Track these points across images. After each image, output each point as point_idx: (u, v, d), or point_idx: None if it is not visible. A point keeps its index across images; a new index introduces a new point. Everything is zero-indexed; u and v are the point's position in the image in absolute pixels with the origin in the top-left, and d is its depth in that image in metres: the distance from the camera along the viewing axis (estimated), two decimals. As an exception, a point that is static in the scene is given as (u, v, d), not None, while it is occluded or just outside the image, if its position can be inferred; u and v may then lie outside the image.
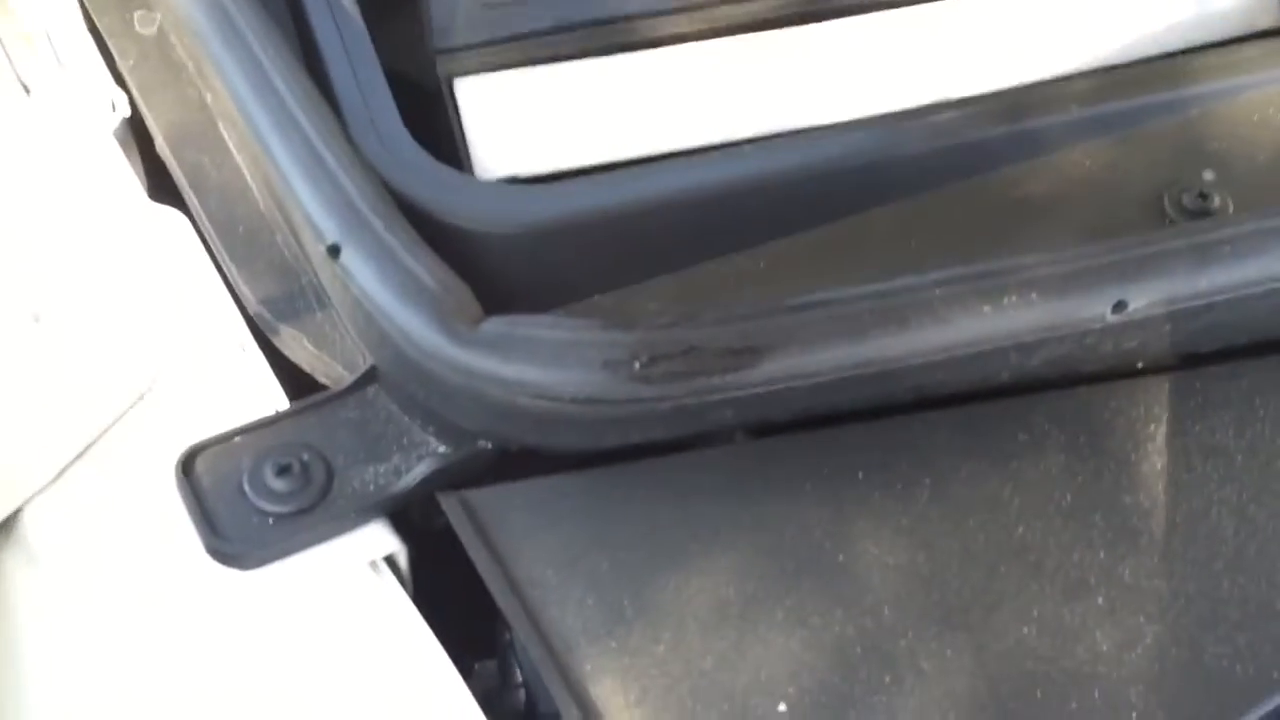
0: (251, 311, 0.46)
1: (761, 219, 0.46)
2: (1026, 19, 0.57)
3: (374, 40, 0.50)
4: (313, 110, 0.41)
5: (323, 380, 0.44)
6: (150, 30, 0.51)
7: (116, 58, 0.51)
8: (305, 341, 0.44)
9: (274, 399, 0.45)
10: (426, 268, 0.38)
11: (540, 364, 0.37)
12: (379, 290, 0.38)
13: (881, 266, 0.41)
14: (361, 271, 0.39)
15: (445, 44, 0.53)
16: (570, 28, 0.54)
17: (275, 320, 0.45)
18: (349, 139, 0.43)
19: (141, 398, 0.51)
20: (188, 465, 0.40)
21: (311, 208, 0.40)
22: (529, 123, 0.53)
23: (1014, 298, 0.38)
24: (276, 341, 0.45)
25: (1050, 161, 0.49)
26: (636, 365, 0.36)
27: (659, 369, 0.36)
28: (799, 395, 0.37)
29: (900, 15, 0.58)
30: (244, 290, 0.46)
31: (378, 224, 0.39)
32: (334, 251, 0.39)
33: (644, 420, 0.37)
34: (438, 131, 0.52)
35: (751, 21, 0.56)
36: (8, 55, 0.58)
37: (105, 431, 0.51)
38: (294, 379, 0.45)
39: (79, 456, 0.51)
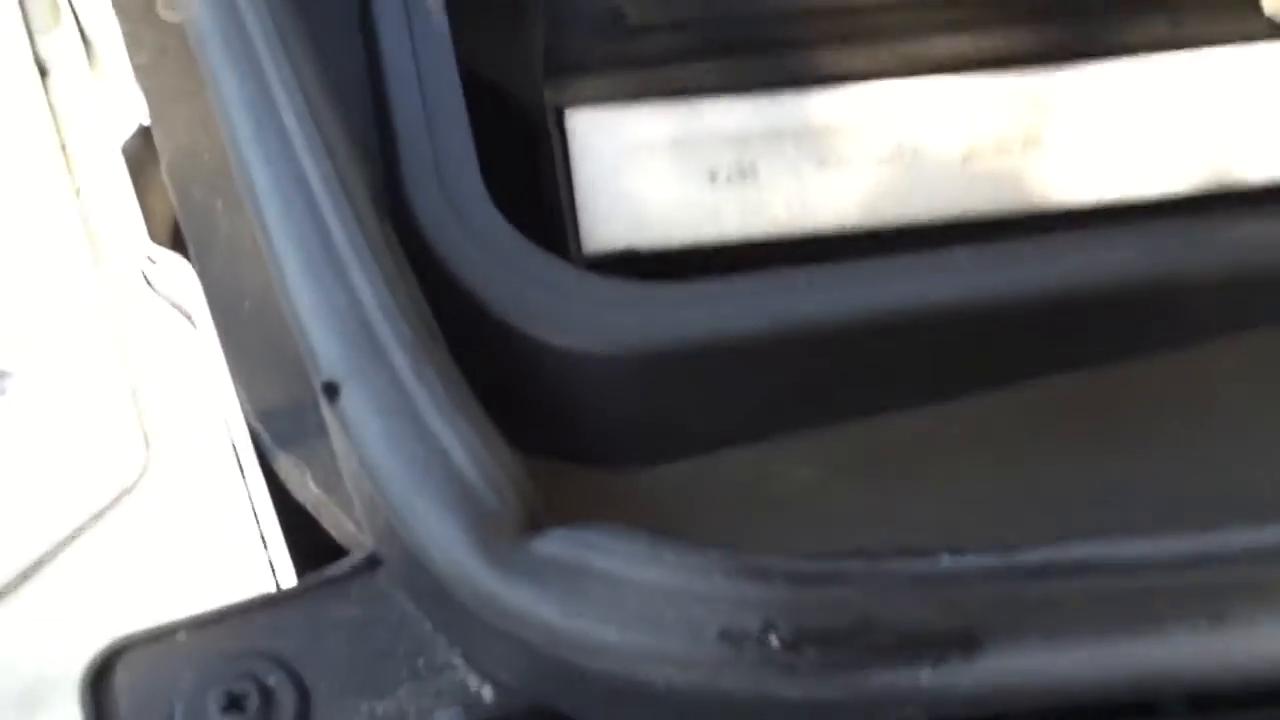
0: (248, 422, 0.33)
1: (993, 358, 0.32)
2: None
3: (460, 58, 0.37)
4: (328, 162, 0.28)
5: (330, 532, 0.31)
6: (175, 17, 0.39)
7: (128, 48, 0.39)
8: (309, 478, 0.31)
9: (269, 551, 0.32)
10: (462, 436, 0.25)
11: (618, 619, 0.23)
12: (387, 463, 0.25)
13: (1185, 472, 0.27)
14: (366, 429, 0.25)
15: (559, 65, 0.39)
16: (726, 51, 0.40)
17: (275, 441, 0.32)
18: (386, 207, 0.30)
19: (125, 494, 0.39)
20: (103, 671, 0.27)
21: (308, 318, 0.26)
22: (666, 174, 0.39)
23: None
24: (276, 467, 0.32)
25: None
26: (774, 641, 0.22)
27: (809, 655, 0.22)
28: (1032, 701, 0.23)
29: (1191, 60, 0.42)
30: (240, 392, 0.33)
31: (400, 358, 0.25)
32: (330, 391, 0.26)
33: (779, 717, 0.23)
34: (535, 186, 0.39)
35: (973, 58, 0.41)
36: (27, 23, 0.46)
37: (76, 535, 0.39)
38: (294, 524, 0.32)
39: (38, 565, 0.39)
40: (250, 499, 0.33)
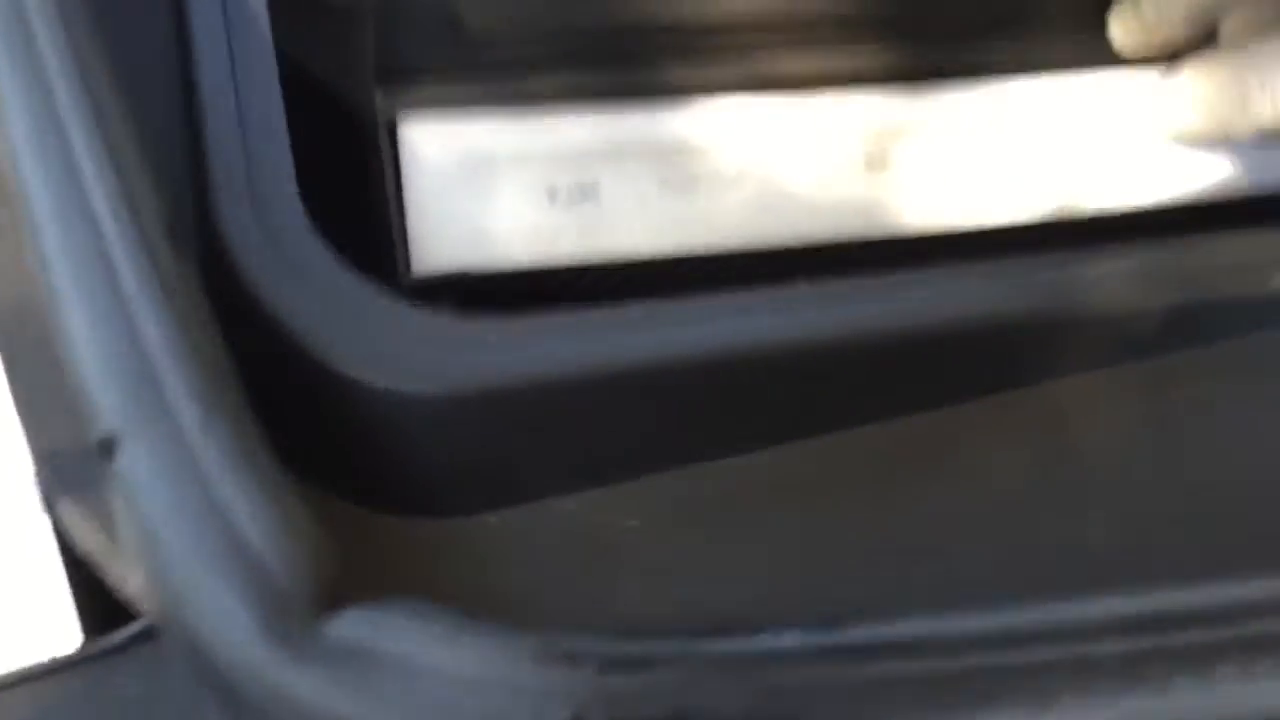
0: (33, 463, 0.30)
1: (835, 401, 0.31)
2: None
3: (285, 56, 0.34)
4: (117, 181, 0.25)
5: (115, 589, 0.29)
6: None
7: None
8: (97, 529, 0.28)
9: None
10: (253, 504, 0.22)
11: (416, 712, 0.21)
12: (167, 532, 0.22)
13: (1021, 522, 0.26)
14: (145, 493, 0.23)
15: (392, 70, 0.36)
16: (571, 63, 0.38)
17: (59, 484, 0.29)
18: (194, 230, 0.27)
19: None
20: None
21: (84, 360, 0.24)
22: (504, 191, 0.37)
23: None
24: (59, 513, 0.29)
25: (1239, 347, 0.34)
26: (583, 735, 0.20)
27: (620, 750, 0.20)
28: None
29: (1040, 85, 0.42)
30: (25, 429, 0.30)
31: (188, 411, 0.23)
32: (106, 448, 0.23)
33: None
34: (364, 200, 0.36)
35: (824, 77, 0.40)
36: None
37: None
38: (82, 579, 0.29)
39: None
40: (38, 547, 0.30)
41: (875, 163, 0.41)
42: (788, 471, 0.31)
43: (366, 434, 0.29)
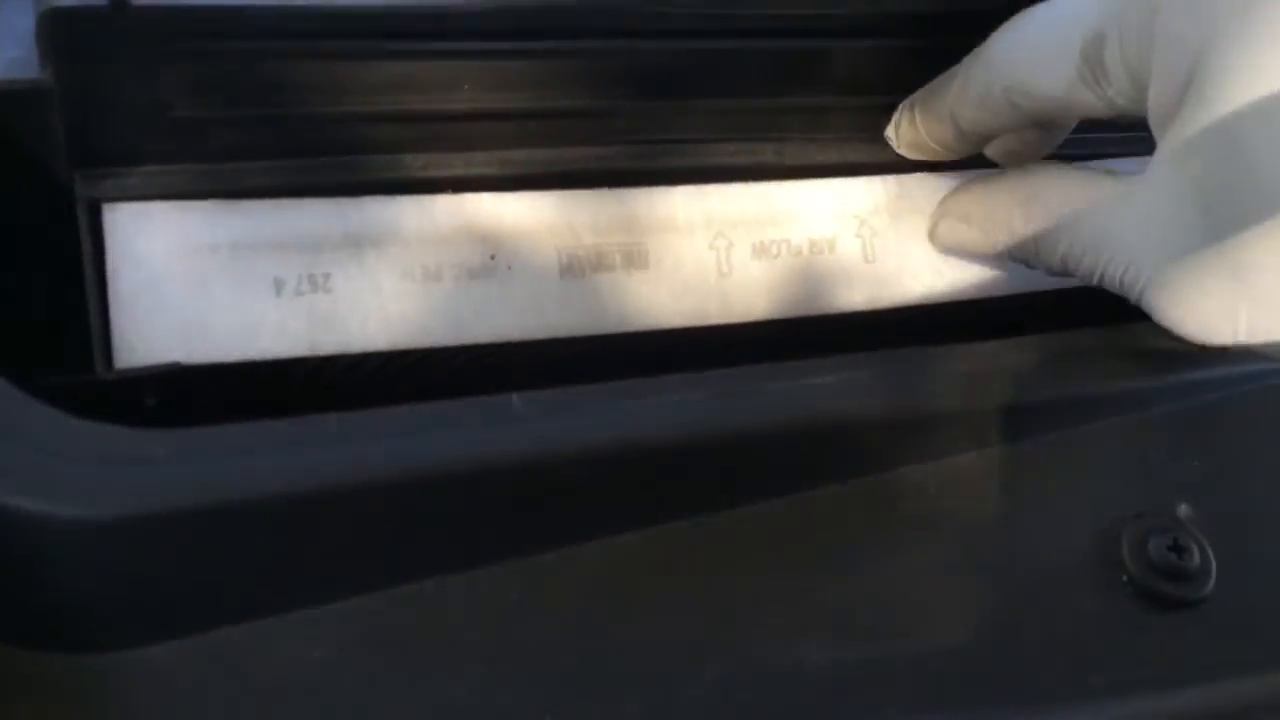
0: None
1: (553, 515, 0.29)
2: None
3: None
4: None
5: None
6: None
7: None
8: None
9: None
10: None
11: None
12: None
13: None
14: None
15: (95, 155, 0.34)
16: (299, 152, 0.36)
17: None
18: None
19: None
20: None
21: None
22: (222, 283, 0.35)
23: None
24: None
25: (966, 464, 0.33)
26: None
27: None
28: None
29: (795, 189, 0.41)
30: None
31: None
32: None
33: None
34: (60, 294, 0.34)
35: (575, 173, 0.39)
36: None
37: None
38: None
39: None
40: None
41: (632, 259, 0.40)
42: (489, 594, 0.29)
43: (8, 558, 0.26)
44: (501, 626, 0.29)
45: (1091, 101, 0.35)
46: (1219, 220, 0.32)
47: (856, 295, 0.41)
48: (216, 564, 0.27)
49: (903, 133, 0.41)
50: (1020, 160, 0.43)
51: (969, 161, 0.43)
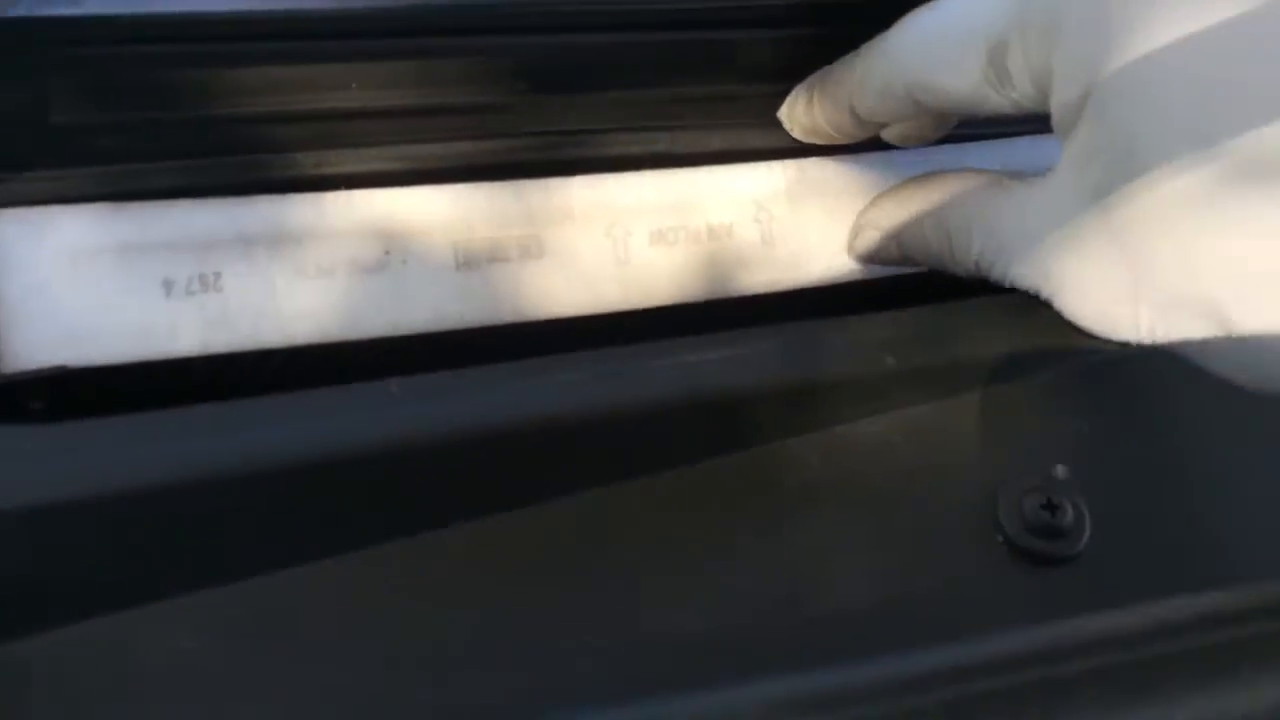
0: None
1: (423, 499, 0.30)
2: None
3: None
4: None
5: None
6: None
7: None
8: None
9: None
10: None
11: None
12: None
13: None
14: None
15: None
16: (187, 153, 0.37)
17: None
18: None
19: None
20: None
21: None
22: (111, 285, 0.35)
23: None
24: None
25: (849, 434, 0.34)
26: None
27: None
28: None
29: (694, 176, 0.42)
30: None
31: None
32: None
33: None
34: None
35: (469, 167, 0.40)
36: None
37: None
38: None
39: None
40: None
41: (527, 250, 0.40)
42: (365, 578, 0.30)
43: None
44: (379, 608, 0.29)
45: (997, 101, 0.36)
46: (1116, 220, 0.33)
47: (756, 279, 0.42)
48: (84, 556, 0.27)
49: (797, 117, 0.42)
50: (918, 143, 0.44)
51: (866, 144, 0.43)
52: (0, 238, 0.34)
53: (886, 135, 0.43)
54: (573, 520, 0.31)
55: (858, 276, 0.42)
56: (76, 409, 0.32)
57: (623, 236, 0.41)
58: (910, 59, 0.38)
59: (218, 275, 0.36)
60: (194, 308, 0.36)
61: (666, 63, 0.41)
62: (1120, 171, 0.33)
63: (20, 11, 0.33)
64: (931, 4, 0.38)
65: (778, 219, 0.42)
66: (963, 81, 0.36)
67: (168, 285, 0.36)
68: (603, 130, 0.41)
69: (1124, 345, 0.34)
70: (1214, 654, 0.24)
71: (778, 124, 0.43)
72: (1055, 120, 0.35)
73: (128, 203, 0.36)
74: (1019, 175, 0.38)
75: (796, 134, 0.42)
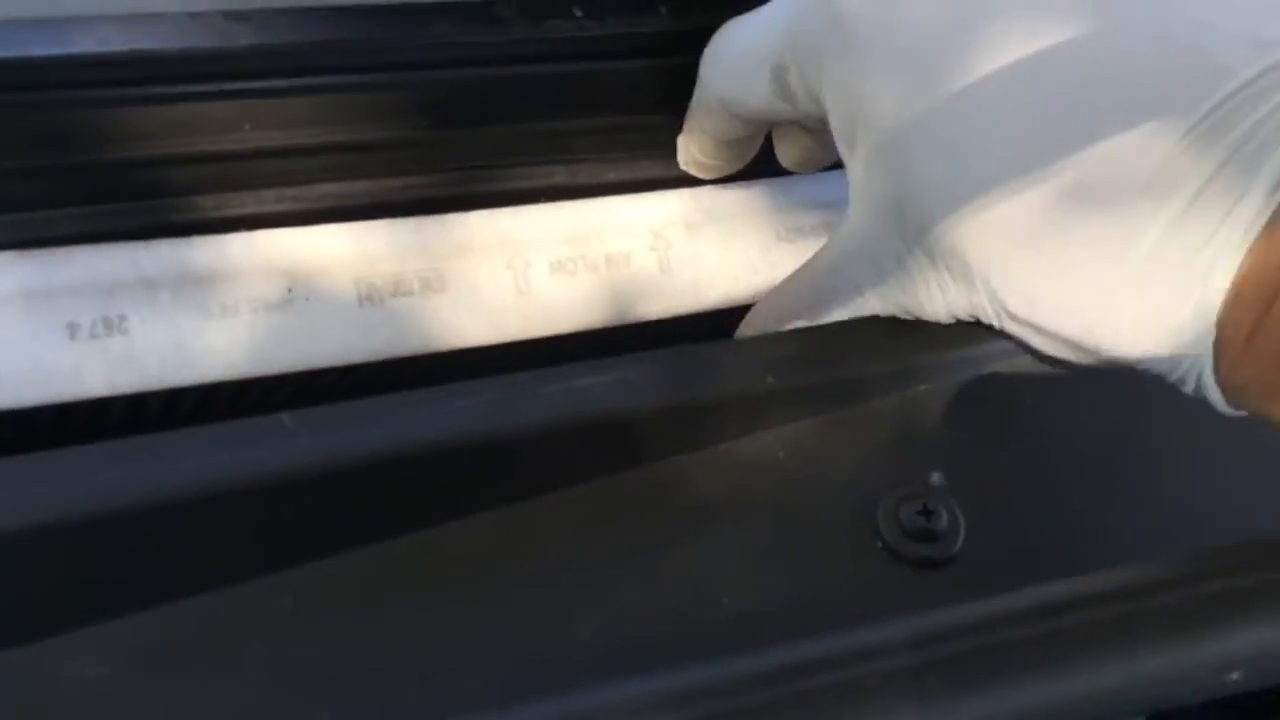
0: None
1: (321, 528, 0.31)
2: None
3: None
4: None
5: None
6: None
7: None
8: None
9: None
10: None
11: None
12: None
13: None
14: None
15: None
16: (88, 199, 0.38)
17: None
18: None
19: None
20: None
21: None
22: (13, 331, 0.36)
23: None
24: None
25: (733, 451, 0.35)
26: None
27: None
28: None
29: (592, 207, 0.43)
30: None
31: None
32: None
33: None
34: None
35: (369, 204, 0.41)
36: None
37: None
38: None
39: None
40: None
41: (429, 284, 0.41)
42: (267, 604, 0.31)
43: None
44: (280, 634, 0.30)
45: (791, 114, 0.38)
46: (905, 218, 0.34)
47: (655, 306, 0.43)
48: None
49: (681, 153, 0.43)
50: (813, 169, 0.45)
51: (759, 170, 0.45)
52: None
53: (781, 161, 0.45)
54: (463, 542, 0.33)
55: (753, 301, 0.43)
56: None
57: (523, 268, 0.42)
58: (714, 76, 0.40)
59: (123, 318, 0.37)
60: (98, 350, 0.37)
61: (558, 96, 0.42)
62: (898, 178, 0.33)
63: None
64: (734, 20, 0.40)
65: (675, 246, 0.44)
66: (757, 97, 0.38)
67: (72, 329, 0.37)
68: (499, 165, 0.42)
69: (994, 358, 0.35)
70: (1052, 640, 0.26)
71: (673, 153, 0.44)
72: (837, 142, 0.36)
73: (30, 250, 0.37)
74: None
75: (689, 169, 0.44)
